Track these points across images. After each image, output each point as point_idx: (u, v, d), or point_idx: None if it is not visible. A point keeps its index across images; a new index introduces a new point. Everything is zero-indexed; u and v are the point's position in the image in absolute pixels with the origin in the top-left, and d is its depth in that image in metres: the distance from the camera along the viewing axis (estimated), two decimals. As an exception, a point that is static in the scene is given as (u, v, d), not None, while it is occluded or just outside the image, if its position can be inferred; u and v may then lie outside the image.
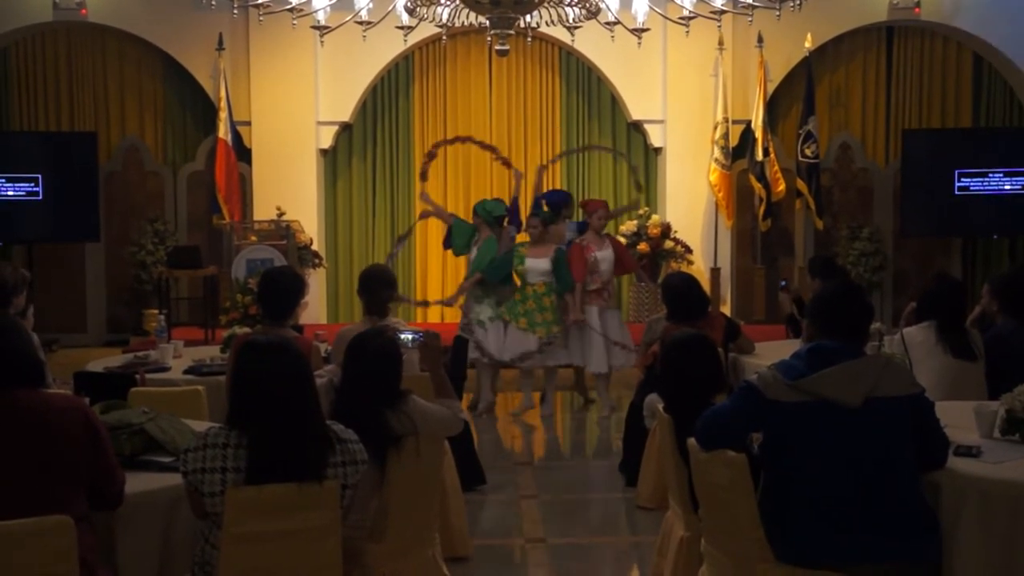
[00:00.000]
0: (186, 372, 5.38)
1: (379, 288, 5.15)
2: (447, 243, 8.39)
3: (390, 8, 6.79)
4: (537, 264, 7.76)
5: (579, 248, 7.80)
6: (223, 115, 10.74)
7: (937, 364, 4.66)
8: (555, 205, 8.07)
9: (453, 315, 10.28)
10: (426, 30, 7.72)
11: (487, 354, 7.74)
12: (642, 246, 10.71)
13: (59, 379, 4.84)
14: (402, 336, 3.83)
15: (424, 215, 9.14)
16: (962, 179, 10.64)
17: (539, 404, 8.03)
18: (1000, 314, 5.00)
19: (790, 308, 6.73)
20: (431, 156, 9.17)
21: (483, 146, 9.28)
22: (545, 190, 8.68)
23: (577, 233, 8.17)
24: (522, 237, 8.13)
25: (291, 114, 10.99)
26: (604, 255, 7.85)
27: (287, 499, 2.99)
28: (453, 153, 11.33)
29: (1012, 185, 10.66)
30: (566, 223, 8.21)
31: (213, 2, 7.06)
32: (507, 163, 9.17)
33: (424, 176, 8.99)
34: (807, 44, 10.86)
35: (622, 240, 9.84)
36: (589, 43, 9.97)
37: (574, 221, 8.53)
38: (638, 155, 11.46)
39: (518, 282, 7.94)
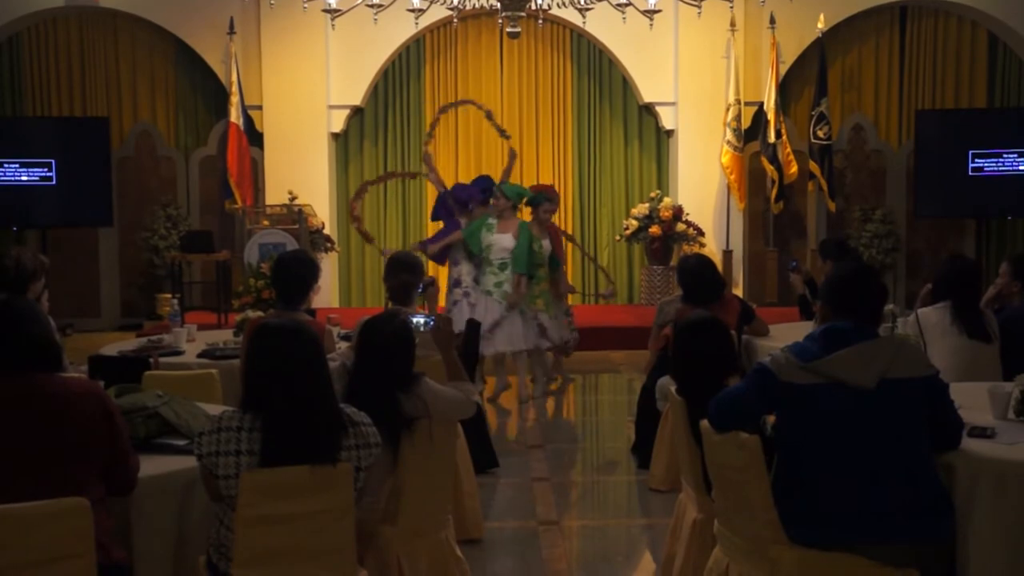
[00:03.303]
0: (200, 356, 5.40)
1: (397, 271, 5.14)
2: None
3: (401, -9, 6.79)
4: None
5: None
6: (234, 99, 10.75)
7: (951, 345, 4.64)
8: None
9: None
10: (437, 13, 7.72)
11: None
12: (654, 229, 10.69)
13: (75, 363, 4.85)
14: (414, 320, 3.84)
15: (427, 173, 8.90)
16: (976, 160, 10.57)
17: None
18: (1020, 295, 4.97)
19: (802, 289, 6.70)
20: (439, 117, 9.72)
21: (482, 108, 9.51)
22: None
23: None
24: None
25: (302, 98, 10.99)
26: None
27: (301, 482, 3.00)
28: (464, 130, 11.35)
29: (1027, 166, 10.60)
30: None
31: (224, -14, 7.09)
32: (503, 133, 9.30)
33: (431, 134, 9.54)
34: (820, 25, 10.78)
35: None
36: (600, 25, 9.93)
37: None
38: (650, 137, 11.43)
39: None
